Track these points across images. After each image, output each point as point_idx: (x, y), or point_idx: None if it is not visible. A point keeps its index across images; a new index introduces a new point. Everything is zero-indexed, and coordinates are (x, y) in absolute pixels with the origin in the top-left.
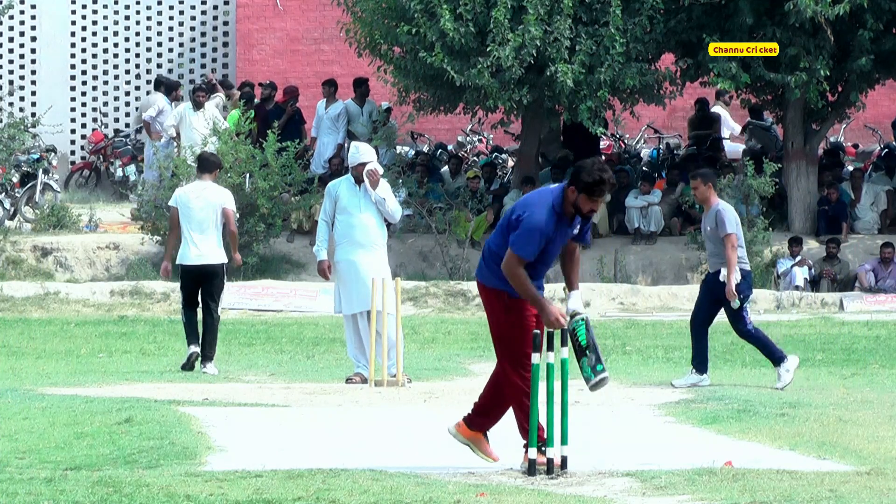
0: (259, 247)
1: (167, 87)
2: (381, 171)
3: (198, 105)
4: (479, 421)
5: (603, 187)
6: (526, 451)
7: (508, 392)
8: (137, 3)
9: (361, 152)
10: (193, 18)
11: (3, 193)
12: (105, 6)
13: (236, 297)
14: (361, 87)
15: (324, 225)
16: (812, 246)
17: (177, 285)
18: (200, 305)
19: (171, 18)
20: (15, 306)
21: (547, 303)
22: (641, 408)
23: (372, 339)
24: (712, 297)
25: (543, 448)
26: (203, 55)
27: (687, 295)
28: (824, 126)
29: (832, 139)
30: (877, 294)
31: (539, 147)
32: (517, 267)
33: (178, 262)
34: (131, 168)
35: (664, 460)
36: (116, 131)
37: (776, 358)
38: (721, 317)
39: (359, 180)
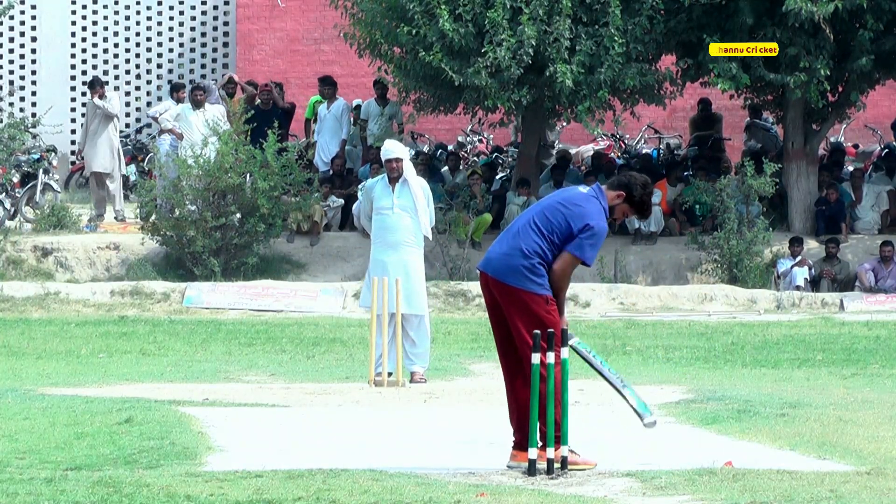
0: (259, 247)
1: (174, 88)
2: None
3: (197, 104)
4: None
5: (647, 213)
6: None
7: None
8: (137, 3)
9: (389, 148)
10: (193, 18)
11: (4, 193)
12: (105, 6)
13: (237, 297)
14: (381, 88)
15: (367, 222)
16: (812, 246)
17: (176, 285)
18: None
19: (171, 18)
20: (15, 306)
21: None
22: None
23: (372, 339)
24: None
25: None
26: (203, 55)
27: (687, 295)
28: (824, 126)
29: (832, 139)
30: (877, 294)
31: (539, 147)
32: (572, 270)
33: None
34: (131, 168)
35: (664, 460)
36: None
37: None
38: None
39: (392, 179)
